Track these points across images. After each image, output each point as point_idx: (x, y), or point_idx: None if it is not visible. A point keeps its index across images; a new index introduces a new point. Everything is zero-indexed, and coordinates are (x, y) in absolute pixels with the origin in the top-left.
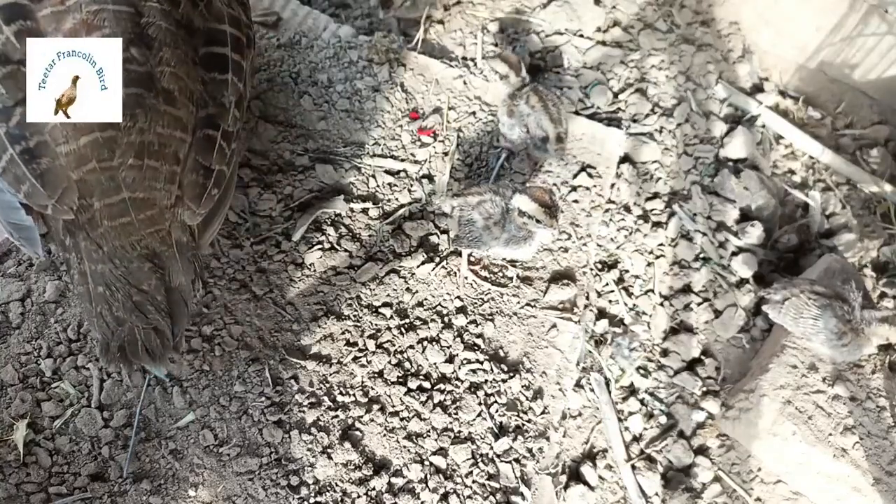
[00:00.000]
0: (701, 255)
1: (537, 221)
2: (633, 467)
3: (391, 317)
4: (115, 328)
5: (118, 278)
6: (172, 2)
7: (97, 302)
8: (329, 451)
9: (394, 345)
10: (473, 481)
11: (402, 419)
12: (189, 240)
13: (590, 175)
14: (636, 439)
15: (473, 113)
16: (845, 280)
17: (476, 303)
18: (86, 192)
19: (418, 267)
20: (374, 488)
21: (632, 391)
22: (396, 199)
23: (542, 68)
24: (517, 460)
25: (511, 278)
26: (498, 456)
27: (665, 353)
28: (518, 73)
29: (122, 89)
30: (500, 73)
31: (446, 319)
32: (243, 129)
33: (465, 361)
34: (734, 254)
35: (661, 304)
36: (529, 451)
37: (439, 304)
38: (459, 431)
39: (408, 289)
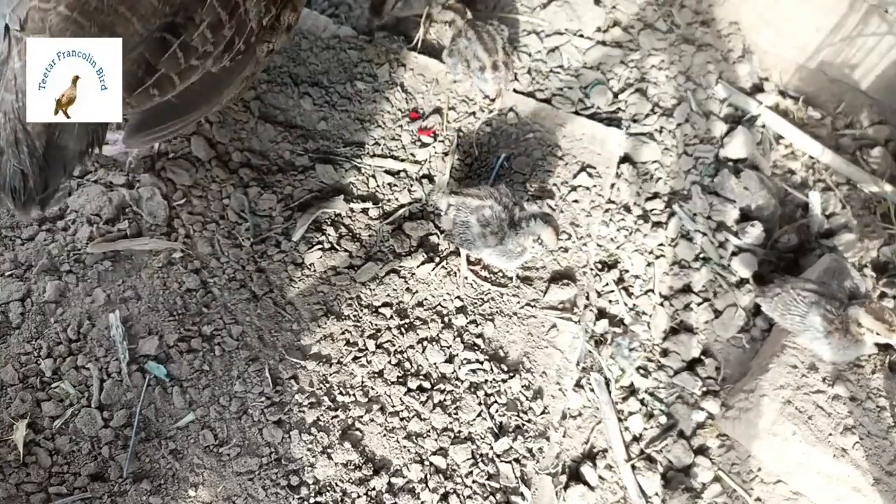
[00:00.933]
0: (701, 255)
1: (546, 247)
2: (633, 467)
3: (391, 317)
4: None
5: (13, 109)
6: None
7: None
8: (329, 451)
9: (394, 345)
10: (473, 481)
11: (402, 419)
12: None
13: (590, 175)
14: (636, 439)
15: (473, 113)
16: (841, 280)
17: (476, 303)
18: (32, 30)
19: (418, 267)
20: (374, 488)
21: (632, 391)
22: (396, 199)
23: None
24: (517, 460)
25: (511, 278)
26: (498, 456)
27: (665, 353)
28: (463, 16)
29: None
30: (447, 20)
31: (446, 319)
32: (230, 66)
33: (464, 361)
34: (734, 254)
35: (661, 304)
36: (529, 451)
37: (439, 304)
38: (459, 431)
39: (408, 289)
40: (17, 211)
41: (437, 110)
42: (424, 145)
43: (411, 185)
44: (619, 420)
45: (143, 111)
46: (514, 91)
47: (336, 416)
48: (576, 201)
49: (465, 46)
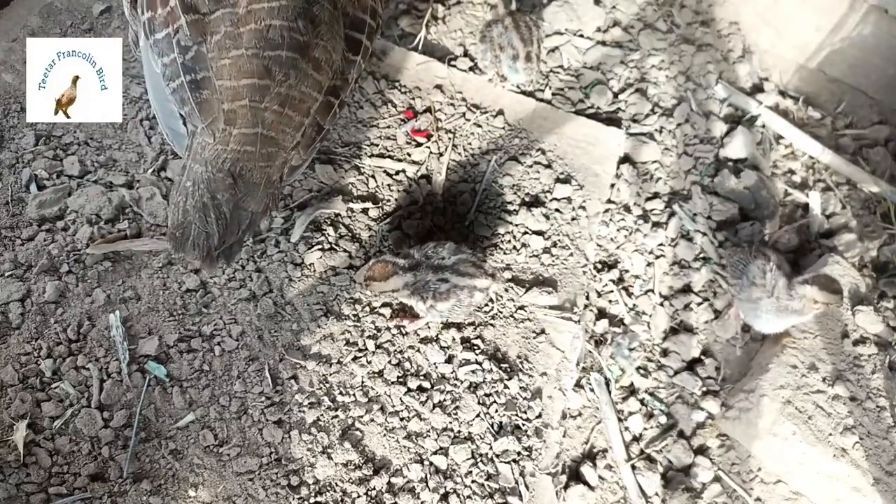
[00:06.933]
0: (701, 255)
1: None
2: (633, 467)
3: (391, 317)
4: (181, 219)
5: (203, 180)
6: None
7: (180, 192)
8: (329, 451)
9: (393, 345)
10: (473, 481)
11: (401, 419)
12: (278, 179)
13: (589, 175)
14: (636, 439)
15: (471, 112)
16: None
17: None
18: (230, 121)
19: None
20: (374, 488)
21: (632, 391)
22: (395, 200)
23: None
24: (517, 460)
25: (510, 280)
26: (497, 456)
27: (665, 353)
28: (507, 5)
29: (284, 52)
30: (490, 3)
31: (444, 319)
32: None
33: (464, 362)
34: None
35: (661, 304)
36: (529, 450)
37: None
38: (459, 431)
39: None
40: (203, 265)
41: (437, 110)
42: (420, 145)
43: (410, 186)
44: (619, 420)
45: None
46: (518, 91)
47: (336, 416)
48: (574, 201)
49: (500, 34)
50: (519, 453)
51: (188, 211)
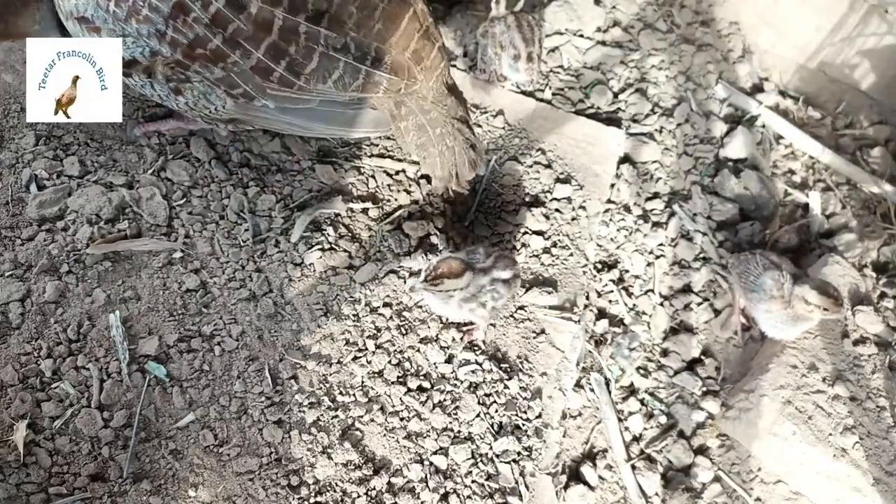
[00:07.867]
0: (701, 255)
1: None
2: (633, 467)
3: (391, 317)
4: (448, 154)
5: (443, 115)
6: None
7: (438, 142)
8: (329, 451)
9: (393, 345)
10: (473, 481)
11: (401, 419)
12: None
13: (589, 175)
14: (636, 439)
15: (471, 112)
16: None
17: None
18: (417, 60)
19: (417, 267)
20: (374, 488)
21: (632, 391)
22: (395, 200)
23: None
24: (517, 460)
25: None
26: (497, 456)
27: (665, 353)
28: (511, 3)
29: None
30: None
31: (445, 319)
32: None
33: (464, 362)
34: (734, 254)
35: (661, 304)
36: (529, 450)
37: None
38: (459, 431)
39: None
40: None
41: None
42: None
43: (410, 186)
44: (619, 420)
45: None
46: (518, 91)
47: (336, 416)
48: (574, 201)
49: (503, 32)
50: (519, 453)
51: (452, 147)
